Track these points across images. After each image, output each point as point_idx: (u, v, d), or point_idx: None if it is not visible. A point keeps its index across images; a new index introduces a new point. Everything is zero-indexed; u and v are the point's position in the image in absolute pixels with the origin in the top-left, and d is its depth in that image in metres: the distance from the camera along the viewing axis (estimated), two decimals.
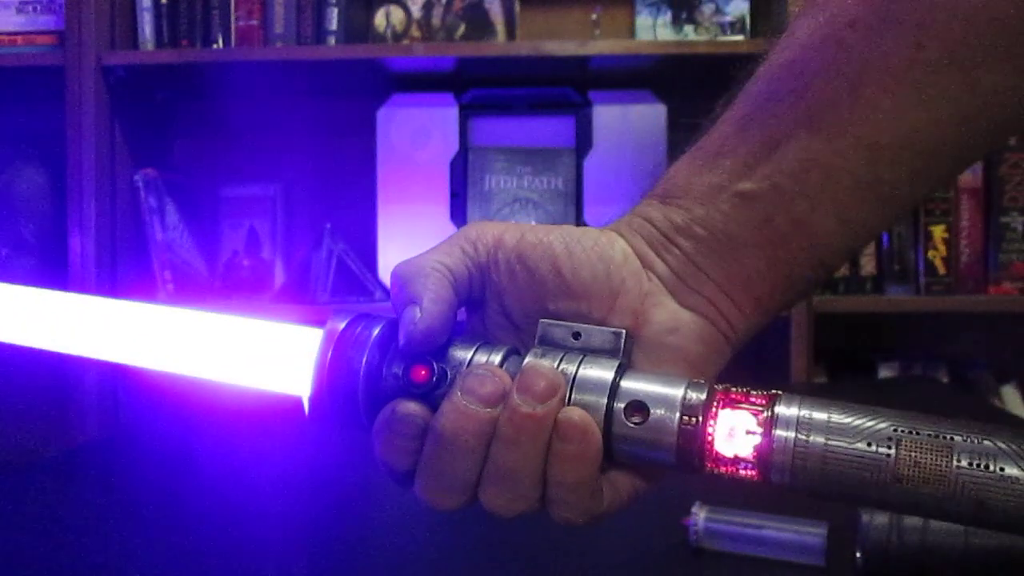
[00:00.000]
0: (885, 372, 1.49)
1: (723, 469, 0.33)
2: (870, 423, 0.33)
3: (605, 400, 0.33)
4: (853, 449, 0.32)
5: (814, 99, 0.35)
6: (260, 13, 1.48)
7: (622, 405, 0.33)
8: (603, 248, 0.37)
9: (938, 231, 1.45)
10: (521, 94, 1.54)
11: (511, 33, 1.51)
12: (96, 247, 1.41)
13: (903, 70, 0.34)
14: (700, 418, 0.33)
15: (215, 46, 1.48)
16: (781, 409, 0.32)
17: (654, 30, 1.52)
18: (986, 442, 0.32)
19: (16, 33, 1.49)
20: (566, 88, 1.53)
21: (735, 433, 0.32)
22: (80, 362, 1.41)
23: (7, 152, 1.47)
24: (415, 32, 1.51)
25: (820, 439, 0.32)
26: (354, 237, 1.54)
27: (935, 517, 0.32)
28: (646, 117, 1.47)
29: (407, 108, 1.52)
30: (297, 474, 0.77)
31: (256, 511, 0.65)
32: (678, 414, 0.33)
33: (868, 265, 1.46)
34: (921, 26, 0.33)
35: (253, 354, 0.39)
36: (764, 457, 0.32)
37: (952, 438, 0.32)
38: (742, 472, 0.32)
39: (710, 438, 0.32)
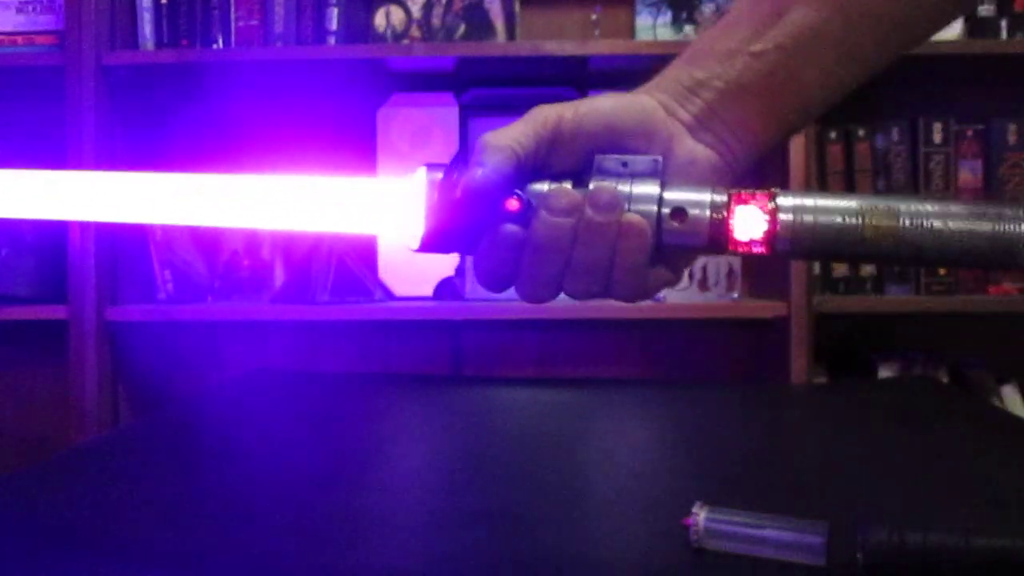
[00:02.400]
0: (885, 372, 1.49)
1: (740, 249, 0.44)
2: (844, 203, 0.44)
3: (655, 207, 0.45)
4: (833, 222, 0.44)
5: None
6: (260, 13, 1.48)
7: (667, 210, 0.45)
8: (639, 105, 0.49)
9: None
10: (521, 94, 1.54)
11: (511, 33, 1.51)
12: (96, 247, 1.41)
13: None
14: (724, 213, 0.44)
15: (215, 46, 1.48)
16: (781, 200, 0.44)
17: (654, 30, 1.52)
18: (921, 206, 0.43)
19: (16, 33, 1.49)
20: (566, 88, 1.53)
21: (749, 221, 0.44)
22: (79, 365, 1.41)
23: (7, 152, 1.47)
24: (415, 32, 1.51)
25: (810, 218, 0.44)
26: (354, 237, 1.54)
27: (891, 263, 0.47)
28: None
29: (407, 108, 1.52)
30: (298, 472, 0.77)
31: (255, 511, 0.65)
32: (708, 212, 0.44)
33: (868, 265, 1.46)
34: None
35: (362, 201, 0.54)
36: (771, 236, 0.44)
37: (899, 207, 0.43)
38: (755, 250, 0.44)
39: (731, 227, 0.44)
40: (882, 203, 0.43)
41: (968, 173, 1.46)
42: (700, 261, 1.43)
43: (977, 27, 1.42)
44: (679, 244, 0.45)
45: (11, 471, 0.74)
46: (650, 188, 0.45)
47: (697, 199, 0.45)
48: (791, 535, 0.52)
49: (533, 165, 0.47)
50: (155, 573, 0.53)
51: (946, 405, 1.12)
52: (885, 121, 1.45)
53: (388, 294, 1.52)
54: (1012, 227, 0.42)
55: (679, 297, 1.42)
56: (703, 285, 1.44)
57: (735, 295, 1.44)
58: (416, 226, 0.49)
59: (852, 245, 0.43)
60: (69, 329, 1.41)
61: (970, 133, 1.45)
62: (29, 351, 1.64)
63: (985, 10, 1.43)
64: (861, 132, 1.46)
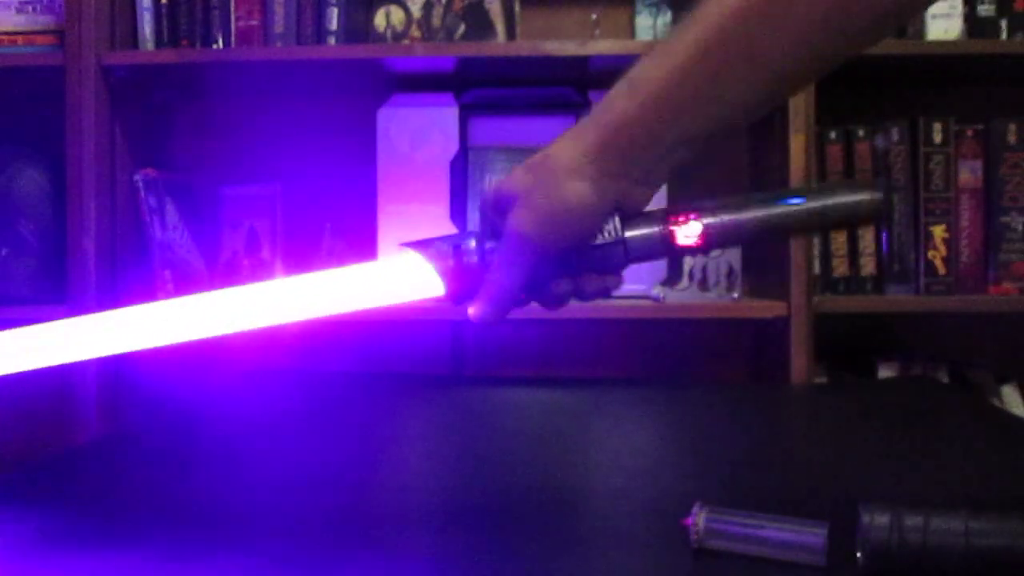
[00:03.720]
0: (885, 372, 1.49)
1: (682, 246, 0.62)
2: (756, 207, 0.62)
3: (621, 246, 0.62)
4: (742, 218, 0.62)
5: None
6: (260, 13, 1.48)
7: (630, 234, 0.62)
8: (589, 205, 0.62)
9: (938, 231, 1.45)
10: (521, 94, 1.54)
11: (511, 33, 1.51)
12: (96, 247, 1.41)
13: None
14: (670, 230, 0.62)
15: (215, 46, 1.48)
16: (707, 218, 0.62)
17: (654, 30, 1.52)
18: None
19: (16, 33, 1.49)
20: (566, 88, 1.53)
21: (688, 232, 0.62)
22: (80, 365, 1.41)
23: (7, 152, 1.47)
24: (415, 32, 1.51)
25: (726, 217, 0.62)
26: (354, 237, 1.54)
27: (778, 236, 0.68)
28: None
29: (407, 108, 1.52)
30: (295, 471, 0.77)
31: (256, 511, 0.65)
32: (659, 229, 0.62)
33: (868, 265, 1.46)
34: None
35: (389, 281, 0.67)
36: (704, 236, 0.62)
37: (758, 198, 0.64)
38: (693, 246, 0.62)
39: (675, 237, 0.62)
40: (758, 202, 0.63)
41: (968, 173, 1.46)
42: (700, 262, 1.43)
43: (977, 27, 1.42)
44: (645, 252, 0.63)
45: (11, 471, 0.74)
46: (616, 234, 0.62)
47: (649, 229, 0.63)
48: (791, 535, 0.52)
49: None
50: (155, 573, 0.53)
51: (946, 405, 1.12)
52: (885, 121, 1.45)
53: None
54: None
55: (679, 297, 1.42)
56: (703, 285, 1.44)
57: (735, 295, 1.44)
58: (436, 290, 0.66)
59: (753, 232, 0.63)
60: None
61: (970, 133, 1.45)
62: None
63: (985, 10, 1.43)
64: (861, 132, 1.46)
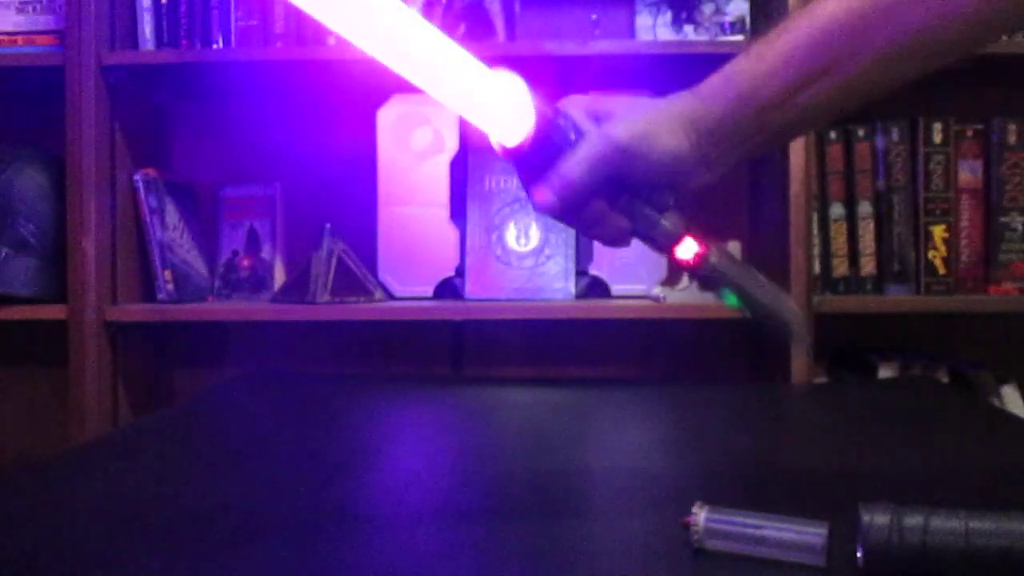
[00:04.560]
0: (885, 372, 1.49)
1: (677, 258, 0.65)
2: (746, 277, 0.68)
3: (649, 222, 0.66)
4: (734, 276, 0.67)
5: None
6: (260, 13, 1.48)
7: (666, 223, 0.66)
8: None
9: (938, 231, 1.45)
10: None
11: (511, 33, 1.51)
12: (96, 247, 1.41)
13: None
14: (673, 240, 0.65)
15: (215, 46, 1.48)
16: (713, 256, 0.66)
17: (654, 30, 1.52)
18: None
19: (16, 33, 1.49)
20: (566, 88, 1.53)
21: (686, 250, 0.65)
22: (80, 365, 1.41)
23: (7, 152, 1.47)
24: None
25: (725, 265, 0.66)
26: (354, 237, 1.54)
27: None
28: None
29: (407, 108, 1.52)
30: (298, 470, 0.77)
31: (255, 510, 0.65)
32: (675, 232, 0.65)
33: (868, 265, 1.46)
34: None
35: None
36: (699, 259, 0.66)
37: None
38: (682, 261, 0.65)
39: (677, 245, 0.65)
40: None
41: (968, 173, 1.46)
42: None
43: None
44: (647, 240, 0.66)
45: (11, 471, 0.74)
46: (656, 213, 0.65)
47: (674, 228, 0.65)
48: (791, 535, 0.52)
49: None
50: (155, 573, 0.53)
51: (946, 405, 1.12)
52: (885, 121, 1.45)
53: (388, 294, 1.52)
54: None
55: (679, 297, 1.42)
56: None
57: None
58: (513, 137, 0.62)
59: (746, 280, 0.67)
60: (69, 329, 1.41)
61: (970, 133, 1.45)
62: (29, 351, 1.64)
63: None
64: (861, 132, 1.46)
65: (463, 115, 0.63)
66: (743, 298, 0.67)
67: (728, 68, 0.65)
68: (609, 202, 0.64)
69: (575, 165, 0.62)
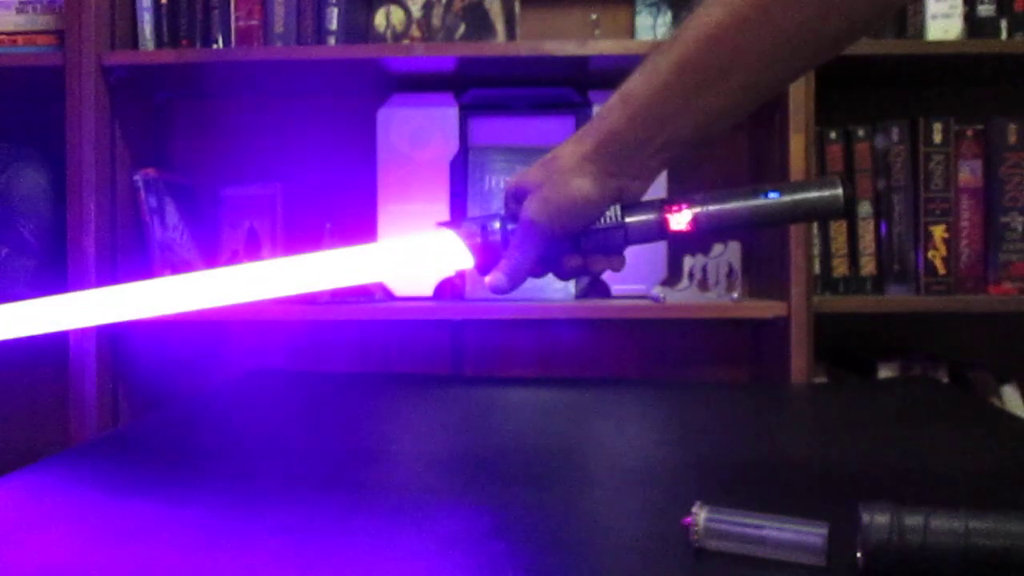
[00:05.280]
0: (885, 372, 1.49)
1: (674, 231, 0.71)
2: (738, 200, 0.71)
3: (621, 228, 0.72)
4: (725, 208, 0.71)
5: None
6: (260, 13, 1.48)
7: (630, 220, 0.72)
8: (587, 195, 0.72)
9: (938, 231, 1.45)
10: (521, 94, 1.54)
11: (511, 33, 1.51)
12: (96, 247, 1.41)
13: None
14: (664, 217, 0.71)
15: (215, 46, 1.48)
16: (697, 207, 0.70)
17: (654, 30, 1.52)
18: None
19: (16, 33, 1.49)
20: (566, 88, 1.53)
21: (680, 219, 0.71)
22: (80, 365, 1.41)
23: (7, 152, 1.47)
24: (415, 32, 1.51)
25: (712, 207, 0.71)
26: (354, 237, 1.54)
27: (756, 225, 0.72)
28: None
29: (407, 108, 1.52)
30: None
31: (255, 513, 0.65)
32: (655, 216, 0.71)
33: (868, 265, 1.46)
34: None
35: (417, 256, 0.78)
36: (693, 222, 0.70)
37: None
38: (684, 231, 0.71)
39: (669, 223, 0.71)
40: (743, 190, 0.72)
41: (968, 173, 1.46)
42: (700, 262, 1.43)
43: (977, 27, 1.42)
44: (643, 235, 0.72)
45: (11, 471, 0.74)
46: (617, 220, 0.72)
47: (648, 215, 0.72)
48: (791, 535, 0.52)
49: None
50: (155, 572, 0.53)
51: (946, 405, 1.12)
52: (885, 121, 1.45)
53: (388, 294, 1.52)
54: None
55: (679, 297, 1.42)
56: (703, 285, 1.44)
57: (735, 295, 1.44)
58: (466, 262, 0.75)
59: (741, 220, 0.71)
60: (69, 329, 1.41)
61: (970, 133, 1.45)
62: (29, 351, 1.64)
63: (985, 10, 1.43)
64: (861, 132, 1.46)
65: (436, 271, 0.77)
66: (764, 213, 0.70)
67: (624, 86, 0.69)
68: (565, 250, 0.73)
69: (509, 256, 0.73)
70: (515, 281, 0.73)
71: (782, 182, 0.76)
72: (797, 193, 0.70)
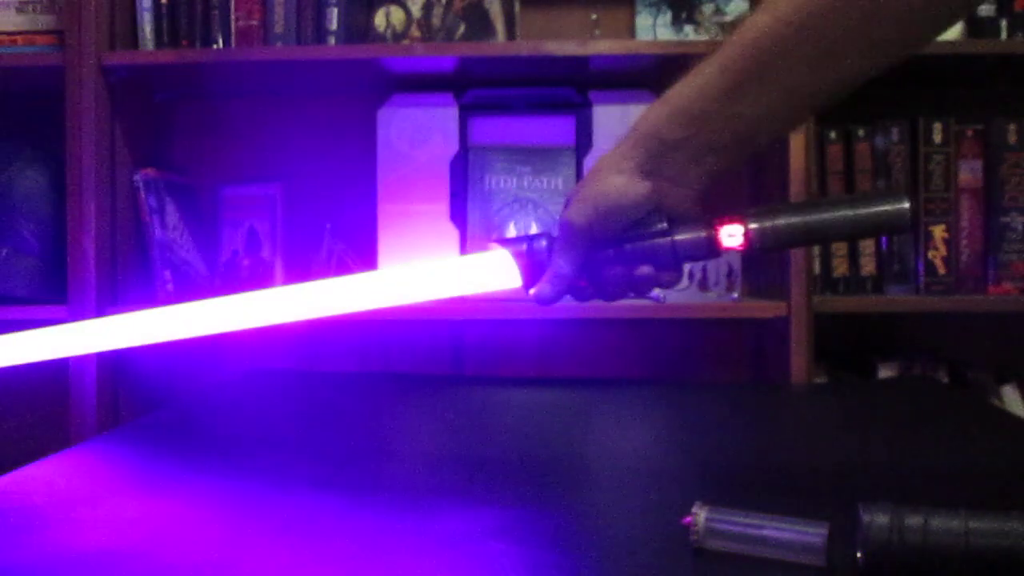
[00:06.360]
0: (885, 372, 1.49)
1: (726, 248, 0.69)
2: (795, 214, 0.68)
3: (670, 247, 0.70)
4: (784, 223, 0.68)
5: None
6: (260, 13, 1.48)
7: (679, 238, 0.70)
8: (633, 191, 0.70)
9: (938, 231, 1.45)
10: (521, 94, 1.54)
11: (511, 33, 1.51)
12: (96, 247, 1.41)
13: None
14: (715, 232, 0.69)
15: (215, 46, 1.48)
16: (751, 223, 0.68)
17: (654, 30, 1.52)
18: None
19: (16, 33, 1.49)
20: (566, 88, 1.53)
21: (732, 235, 0.69)
22: (80, 365, 1.41)
23: (7, 152, 1.47)
24: (415, 32, 1.51)
25: (767, 223, 0.68)
26: (354, 237, 1.54)
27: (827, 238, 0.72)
28: None
29: (407, 108, 1.52)
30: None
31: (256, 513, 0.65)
32: (704, 232, 0.70)
33: (868, 265, 1.46)
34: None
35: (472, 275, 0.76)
36: (747, 239, 0.68)
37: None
38: (736, 248, 0.69)
39: (720, 239, 0.69)
40: (822, 203, 0.69)
41: (968, 173, 1.46)
42: (699, 262, 1.43)
43: (977, 27, 1.42)
44: (692, 255, 0.70)
45: (11, 471, 0.74)
46: (664, 238, 0.70)
47: (697, 234, 0.70)
48: (791, 535, 0.52)
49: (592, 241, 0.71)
50: (155, 573, 0.53)
51: (946, 405, 1.12)
52: (885, 121, 1.45)
53: None
54: None
55: (679, 297, 1.42)
56: (703, 285, 1.44)
57: (735, 295, 1.44)
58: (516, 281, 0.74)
59: (806, 233, 0.68)
60: None
61: (970, 133, 1.45)
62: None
63: (985, 10, 1.42)
64: (861, 132, 1.46)
65: (489, 290, 0.76)
66: (823, 229, 0.68)
67: (668, 91, 0.69)
68: (608, 259, 0.71)
69: (552, 263, 0.72)
70: (557, 288, 0.71)
71: (841, 195, 0.73)
72: (859, 207, 0.67)
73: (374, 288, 0.78)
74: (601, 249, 0.70)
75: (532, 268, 0.73)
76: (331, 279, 0.78)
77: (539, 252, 0.72)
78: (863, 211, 0.67)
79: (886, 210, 0.66)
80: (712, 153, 0.67)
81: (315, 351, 1.66)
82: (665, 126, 0.67)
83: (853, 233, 0.68)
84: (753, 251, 0.69)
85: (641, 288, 0.71)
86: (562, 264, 0.71)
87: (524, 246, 0.73)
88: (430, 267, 0.76)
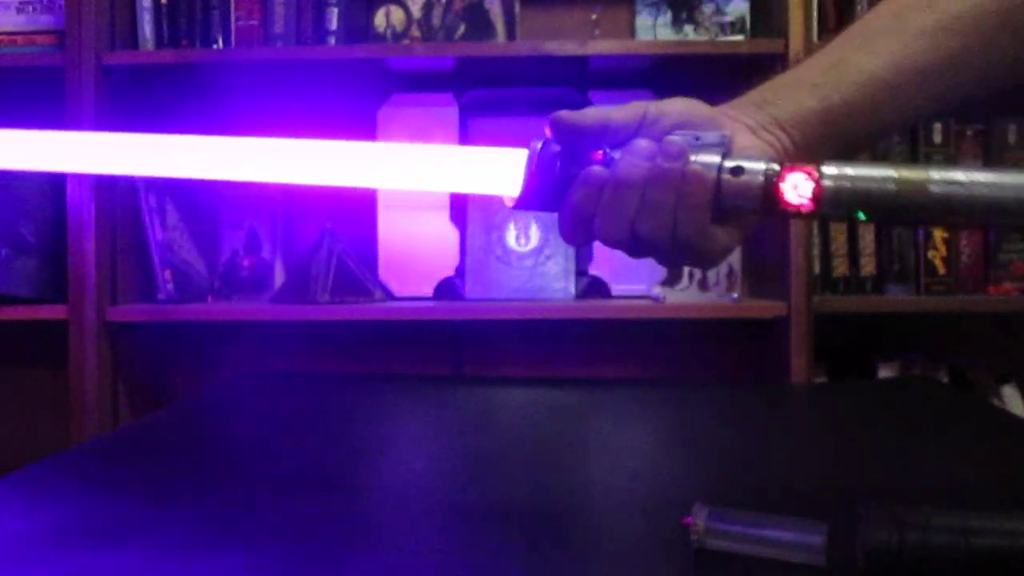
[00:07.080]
0: (885, 372, 1.49)
1: (788, 208, 0.50)
2: (879, 171, 0.50)
3: (717, 161, 0.51)
4: (871, 180, 0.50)
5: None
6: (260, 13, 1.48)
7: (728, 166, 0.51)
8: (708, 108, 0.56)
9: (938, 231, 1.45)
10: (521, 94, 1.54)
11: (511, 33, 1.51)
12: (96, 247, 1.41)
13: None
14: (775, 177, 0.51)
15: (215, 46, 1.48)
16: (825, 169, 0.50)
17: (654, 30, 1.52)
18: (950, 170, 0.49)
19: (16, 33, 1.49)
20: (566, 88, 1.53)
21: (798, 185, 0.50)
22: (79, 365, 1.41)
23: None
24: (415, 32, 1.51)
25: (849, 183, 0.50)
26: (354, 237, 1.54)
27: (917, 219, 0.51)
28: None
29: (407, 108, 1.52)
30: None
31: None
32: (762, 176, 0.51)
33: (868, 265, 1.46)
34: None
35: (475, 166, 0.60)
36: (817, 196, 0.50)
37: (929, 172, 0.49)
38: (802, 209, 0.50)
39: (782, 190, 0.50)
40: (914, 167, 0.50)
41: None
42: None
43: None
44: (736, 202, 0.52)
45: (11, 471, 0.74)
46: (714, 151, 0.52)
47: (754, 164, 0.52)
48: (791, 535, 0.52)
49: (622, 140, 0.55)
50: (154, 573, 0.53)
51: (946, 405, 1.12)
52: None
53: (388, 294, 1.52)
54: None
55: (679, 297, 1.42)
56: (703, 285, 1.44)
57: (735, 295, 1.44)
58: (514, 188, 0.57)
59: (886, 201, 0.50)
60: (69, 329, 1.41)
61: (970, 133, 1.45)
62: (29, 351, 1.64)
63: None
64: None
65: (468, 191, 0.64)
66: (941, 204, 0.49)
67: (818, 59, 0.58)
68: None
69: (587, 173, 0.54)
70: (525, 198, 0.56)
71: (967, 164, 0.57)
72: (988, 179, 0.48)
73: (366, 161, 0.65)
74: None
75: (540, 174, 0.55)
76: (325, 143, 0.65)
77: (552, 156, 0.55)
78: (993, 184, 0.48)
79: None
80: (791, 117, 0.56)
81: (315, 351, 1.66)
82: (839, 98, 0.55)
83: (970, 221, 0.50)
84: (822, 216, 0.51)
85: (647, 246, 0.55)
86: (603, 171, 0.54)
87: (540, 144, 0.56)
88: (432, 152, 0.62)
